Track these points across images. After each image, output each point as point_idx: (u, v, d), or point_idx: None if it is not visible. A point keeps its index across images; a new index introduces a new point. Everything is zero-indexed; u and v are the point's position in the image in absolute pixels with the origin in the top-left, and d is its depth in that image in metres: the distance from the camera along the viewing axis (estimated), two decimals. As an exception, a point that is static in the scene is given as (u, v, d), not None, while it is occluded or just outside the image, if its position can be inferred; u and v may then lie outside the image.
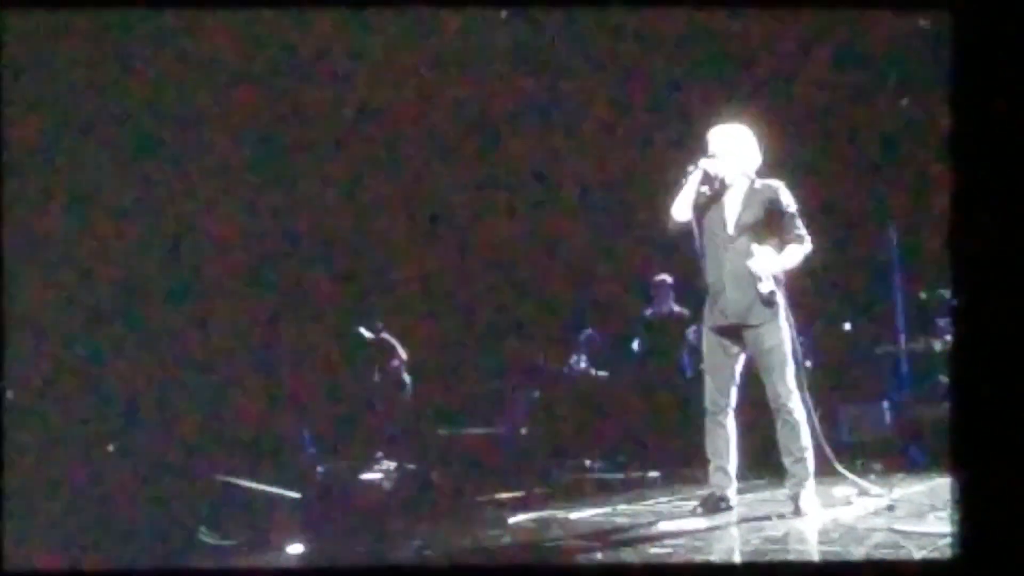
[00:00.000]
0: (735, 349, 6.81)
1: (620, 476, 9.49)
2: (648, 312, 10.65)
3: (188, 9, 7.74)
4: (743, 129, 6.91)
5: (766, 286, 6.64)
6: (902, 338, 10.22)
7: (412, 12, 8.68)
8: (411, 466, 10.04)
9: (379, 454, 10.53)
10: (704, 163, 6.77)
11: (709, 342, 6.91)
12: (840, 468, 7.18)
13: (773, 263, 6.66)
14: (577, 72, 10.00)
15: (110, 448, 8.60)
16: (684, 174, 6.79)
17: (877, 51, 9.28)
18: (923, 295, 10.00)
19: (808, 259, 6.82)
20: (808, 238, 6.74)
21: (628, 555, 5.94)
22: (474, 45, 9.60)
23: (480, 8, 8.33)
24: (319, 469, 9.94)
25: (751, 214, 6.75)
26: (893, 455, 8.93)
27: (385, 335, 11.01)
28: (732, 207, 6.81)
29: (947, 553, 5.50)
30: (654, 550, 6.00)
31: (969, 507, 5.74)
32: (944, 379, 9.40)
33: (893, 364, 10.14)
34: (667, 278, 10.53)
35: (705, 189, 6.81)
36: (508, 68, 9.89)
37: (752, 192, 6.80)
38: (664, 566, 5.59)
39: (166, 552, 6.75)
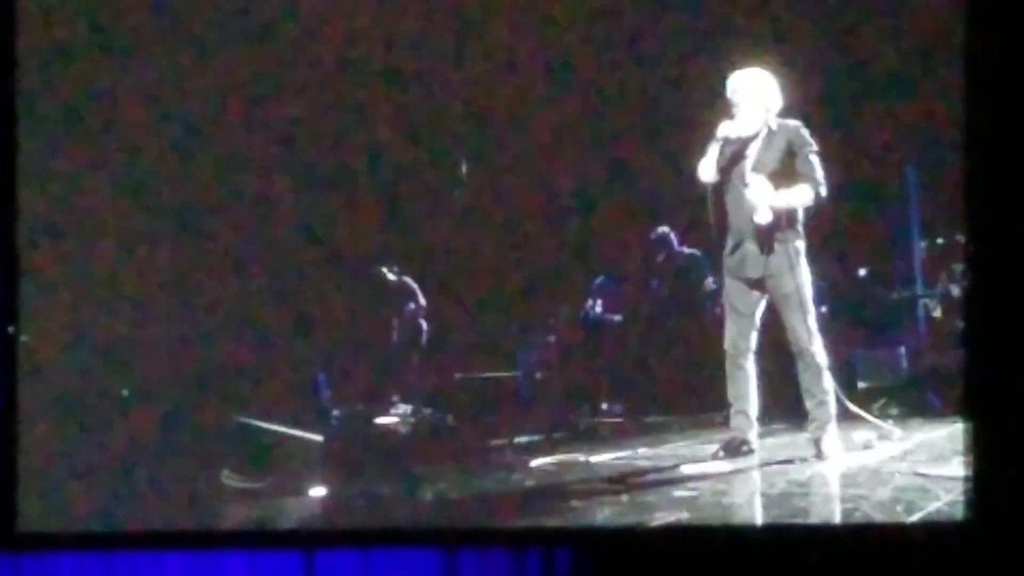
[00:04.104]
0: (755, 294, 6.81)
1: (635, 421, 9.51)
2: (660, 258, 10.59)
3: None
4: (763, 73, 6.85)
5: (762, 216, 6.61)
6: (918, 283, 10.21)
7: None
8: (427, 410, 10.05)
9: (395, 398, 10.54)
10: (723, 128, 6.74)
11: (729, 288, 6.91)
12: (855, 408, 7.23)
13: (771, 194, 6.63)
14: (586, 21, 9.94)
15: (124, 392, 8.59)
16: (710, 135, 6.78)
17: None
18: (939, 240, 10.00)
19: (822, 204, 6.78)
20: (822, 181, 6.66)
21: (652, 497, 5.98)
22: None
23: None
24: (335, 412, 9.94)
25: (769, 157, 6.72)
26: (910, 401, 8.94)
27: (407, 278, 10.98)
28: (752, 155, 6.79)
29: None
30: (679, 493, 6.04)
31: (984, 452, 5.77)
32: (960, 324, 9.40)
33: (909, 309, 10.13)
34: (662, 229, 10.49)
35: (729, 149, 6.79)
36: (517, 21, 9.85)
37: (770, 135, 6.77)
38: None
39: (190, 496, 6.79)
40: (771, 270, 6.66)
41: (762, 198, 6.61)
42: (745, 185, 6.69)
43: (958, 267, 9.48)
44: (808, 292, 6.68)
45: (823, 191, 6.66)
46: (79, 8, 8.19)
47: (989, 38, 5.84)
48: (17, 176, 6.88)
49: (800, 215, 6.72)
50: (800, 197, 6.67)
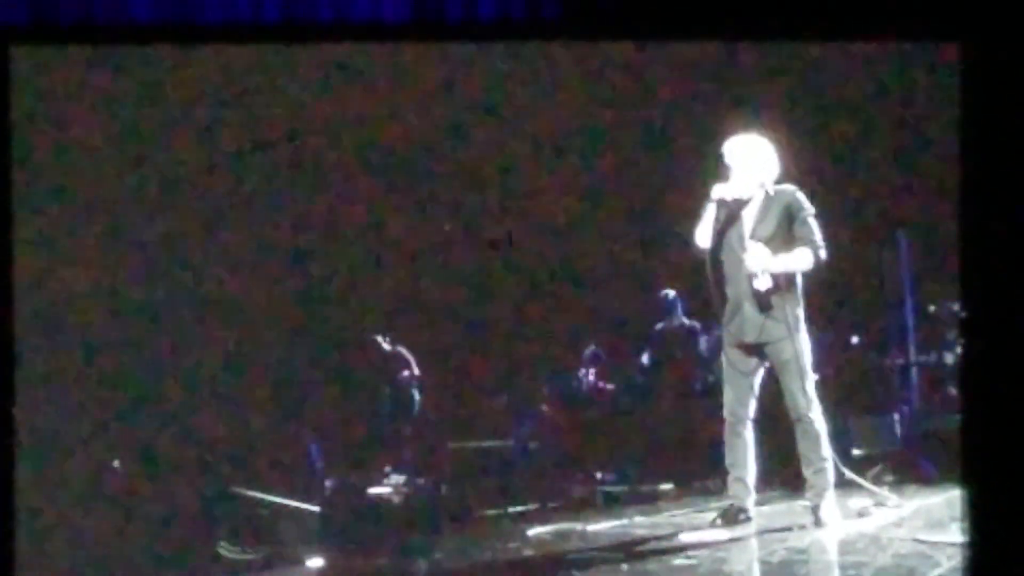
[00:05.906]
0: (754, 362, 6.78)
1: (630, 489, 9.46)
2: (660, 326, 10.64)
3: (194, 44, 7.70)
4: (759, 140, 6.84)
5: (762, 282, 6.59)
6: (912, 350, 10.19)
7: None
8: (420, 480, 10.00)
9: (387, 468, 10.48)
10: (717, 191, 6.74)
11: (728, 355, 6.86)
12: (855, 476, 7.21)
13: (769, 260, 6.60)
14: (588, 83, 10.01)
15: (116, 464, 8.55)
16: (705, 200, 6.79)
17: (887, 69, 9.28)
18: (932, 307, 10.01)
19: (822, 267, 6.77)
20: (821, 244, 6.63)
21: (652, 566, 5.94)
22: (483, 62, 9.67)
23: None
24: (327, 483, 9.89)
25: (766, 224, 6.70)
26: (904, 467, 8.90)
27: (401, 348, 10.96)
28: (749, 220, 6.77)
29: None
30: (678, 561, 6.00)
31: (981, 518, 5.75)
32: (954, 391, 9.43)
33: (903, 376, 10.12)
34: (671, 292, 10.55)
35: (723, 212, 6.79)
36: (519, 80, 9.91)
37: (767, 201, 6.75)
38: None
39: (186, 568, 6.74)
40: (771, 336, 6.64)
41: (761, 264, 6.60)
42: (743, 250, 6.69)
43: (952, 334, 9.52)
44: (808, 359, 6.66)
45: (823, 254, 6.64)
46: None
47: (984, 104, 5.88)
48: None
49: (799, 280, 6.72)
50: (800, 261, 6.65)
